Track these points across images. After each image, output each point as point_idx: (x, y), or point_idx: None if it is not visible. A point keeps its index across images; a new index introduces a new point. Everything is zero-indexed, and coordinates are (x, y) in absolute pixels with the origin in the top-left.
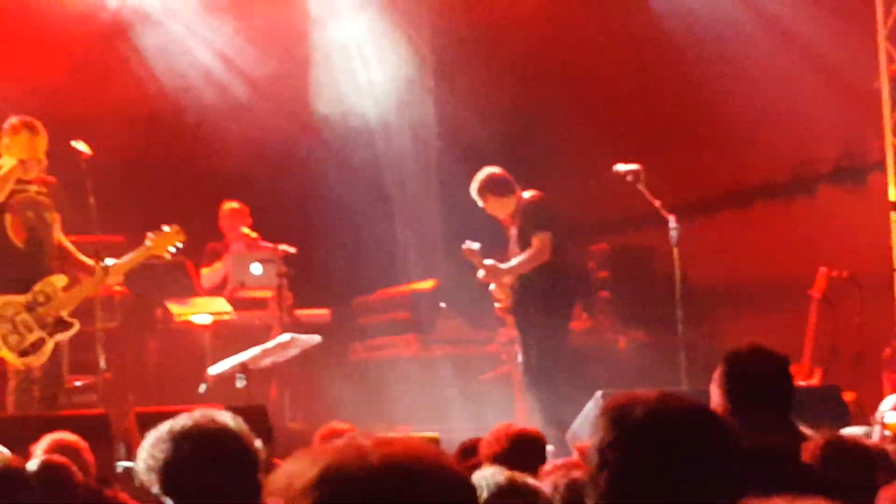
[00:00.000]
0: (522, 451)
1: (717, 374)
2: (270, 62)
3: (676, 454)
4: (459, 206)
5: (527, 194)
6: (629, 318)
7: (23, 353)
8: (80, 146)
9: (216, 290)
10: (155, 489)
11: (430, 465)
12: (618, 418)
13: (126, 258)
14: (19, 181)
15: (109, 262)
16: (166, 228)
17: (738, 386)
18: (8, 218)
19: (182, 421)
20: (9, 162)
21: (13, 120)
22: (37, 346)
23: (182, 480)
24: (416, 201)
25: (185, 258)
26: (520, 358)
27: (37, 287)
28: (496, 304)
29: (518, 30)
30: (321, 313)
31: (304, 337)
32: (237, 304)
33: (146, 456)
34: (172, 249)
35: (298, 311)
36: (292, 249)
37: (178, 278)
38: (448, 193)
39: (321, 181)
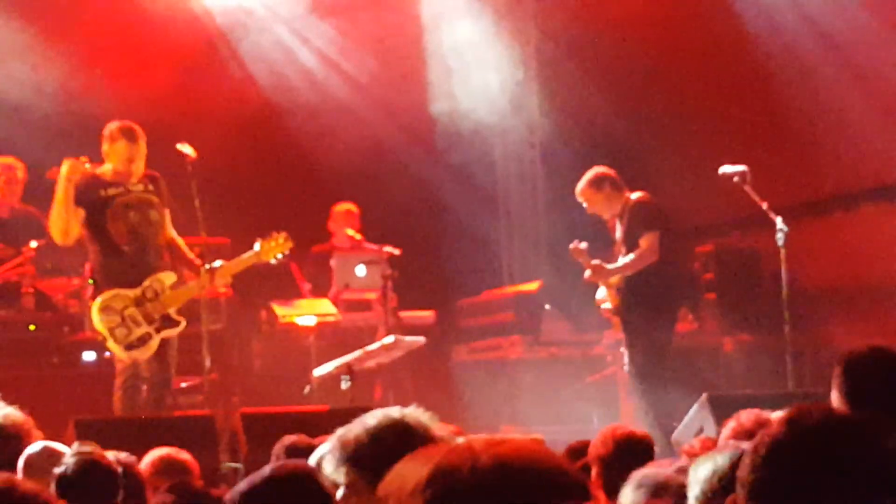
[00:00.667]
0: (630, 453)
1: (835, 376)
2: (376, 65)
3: (840, 471)
4: (564, 207)
5: (634, 195)
6: (735, 320)
7: (129, 347)
8: (186, 149)
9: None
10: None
11: (541, 464)
12: (793, 420)
13: (233, 262)
14: (120, 185)
15: (217, 263)
16: (276, 235)
17: (858, 387)
18: (110, 224)
19: (377, 418)
20: (105, 168)
21: (112, 126)
22: (143, 340)
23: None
24: (522, 203)
25: (290, 260)
26: (626, 360)
27: (146, 282)
28: (603, 306)
29: (623, 33)
30: (425, 315)
31: (408, 339)
32: (342, 305)
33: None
34: (279, 256)
35: (403, 313)
36: (397, 251)
37: (284, 280)
38: (553, 195)
39: (426, 183)
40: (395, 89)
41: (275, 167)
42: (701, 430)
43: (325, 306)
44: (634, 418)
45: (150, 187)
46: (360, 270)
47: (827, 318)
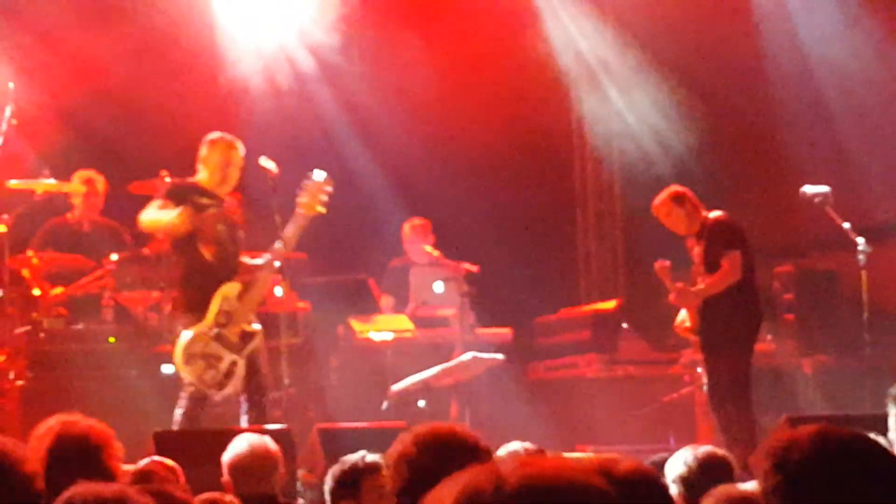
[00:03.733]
0: (712, 472)
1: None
2: (457, 81)
3: (840, 493)
4: (643, 226)
5: (713, 214)
6: (814, 340)
7: (220, 386)
8: (268, 164)
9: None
10: None
11: (570, 485)
12: (779, 463)
13: (289, 230)
14: (212, 195)
15: (277, 244)
16: (311, 182)
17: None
18: (199, 234)
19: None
20: (208, 176)
21: (213, 134)
22: (230, 373)
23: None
24: (600, 221)
25: (368, 276)
26: (704, 379)
27: (213, 309)
28: (685, 325)
29: (704, 54)
30: (503, 332)
31: (485, 356)
32: (419, 322)
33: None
34: (324, 199)
35: (480, 330)
36: (475, 268)
37: (361, 295)
38: (631, 213)
39: (504, 199)
40: (472, 105)
41: (351, 180)
42: None
43: (403, 322)
44: (712, 438)
45: (236, 206)
46: (438, 287)
47: None
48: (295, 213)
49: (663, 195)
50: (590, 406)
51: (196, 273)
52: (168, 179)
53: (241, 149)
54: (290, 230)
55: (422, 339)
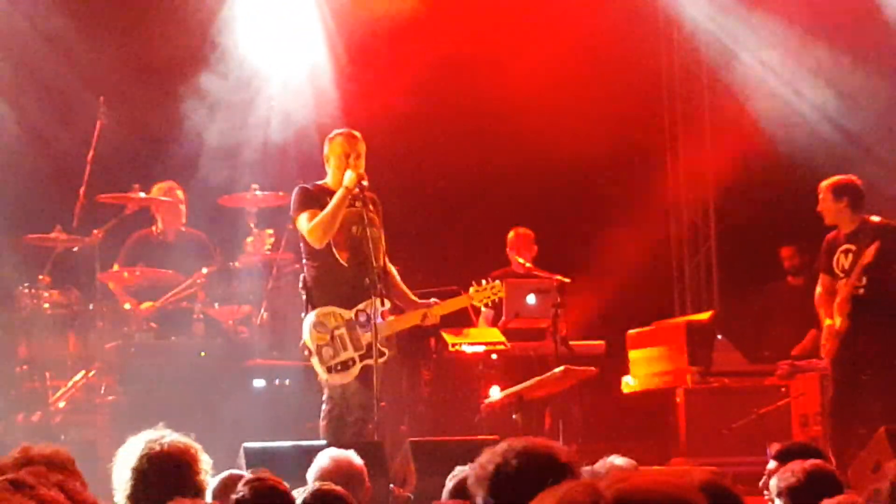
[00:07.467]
0: (821, 484)
1: None
2: (553, 90)
3: None
4: (738, 237)
5: (875, 218)
6: None
7: (330, 369)
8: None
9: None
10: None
11: (666, 499)
12: None
13: (447, 302)
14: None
15: (432, 300)
16: (491, 282)
17: None
18: (333, 238)
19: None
20: (332, 175)
21: (337, 132)
22: (346, 365)
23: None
24: (693, 233)
25: (461, 288)
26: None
27: (360, 306)
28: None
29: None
30: (596, 344)
31: (578, 368)
32: (511, 334)
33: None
34: (491, 301)
35: (573, 342)
36: (567, 280)
37: None
38: (724, 224)
39: (598, 211)
40: (563, 116)
41: (444, 192)
42: (878, 465)
43: (495, 335)
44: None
45: (372, 207)
46: (531, 299)
47: None
48: (464, 294)
49: (830, 181)
50: (686, 418)
51: (334, 277)
52: (300, 186)
53: (358, 136)
54: (448, 304)
55: (514, 351)
